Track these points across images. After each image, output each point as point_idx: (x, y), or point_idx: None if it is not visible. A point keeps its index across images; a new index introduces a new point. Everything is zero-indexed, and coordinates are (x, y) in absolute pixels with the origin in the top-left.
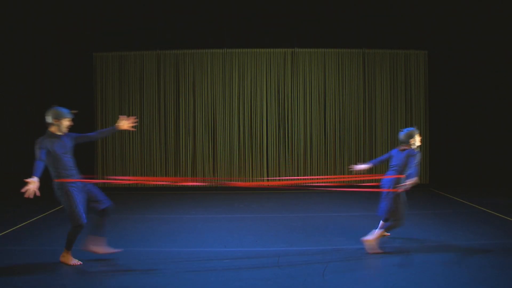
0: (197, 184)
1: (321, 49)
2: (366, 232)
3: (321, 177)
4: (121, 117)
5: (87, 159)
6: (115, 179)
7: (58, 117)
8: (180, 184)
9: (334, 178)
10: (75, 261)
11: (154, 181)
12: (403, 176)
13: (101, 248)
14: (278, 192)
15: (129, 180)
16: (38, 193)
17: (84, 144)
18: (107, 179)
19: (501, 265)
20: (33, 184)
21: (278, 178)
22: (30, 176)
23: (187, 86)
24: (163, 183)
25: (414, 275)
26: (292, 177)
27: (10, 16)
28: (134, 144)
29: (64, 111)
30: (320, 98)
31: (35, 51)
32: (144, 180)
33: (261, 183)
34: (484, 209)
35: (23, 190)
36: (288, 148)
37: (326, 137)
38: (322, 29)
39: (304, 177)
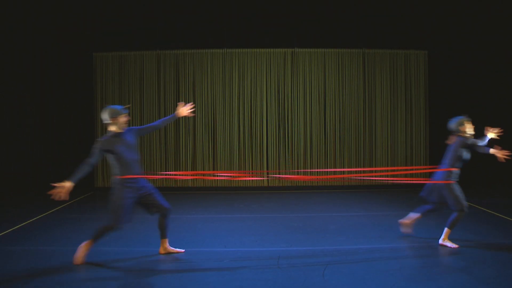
0: (253, 178)
1: (321, 49)
2: (367, 232)
3: (374, 169)
4: (179, 103)
5: (87, 158)
6: (170, 175)
7: (114, 115)
8: (238, 179)
9: (387, 171)
10: (81, 257)
11: (208, 176)
12: (455, 169)
13: (172, 249)
14: (278, 192)
15: (184, 175)
16: (67, 198)
17: (85, 144)
18: (161, 175)
19: (501, 265)
20: (63, 189)
21: (333, 170)
22: (30, 175)
23: (187, 86)
24: (217, 178)
25: (414, 275)
26: (349, 170)
27: (10, 16)
28: None
29: (118, 107)
30: (320, 98)
31: (35, 51)
32: (198, 175)
33: (322, 177)
34: (484, 209)
35: (51, 192)
36: (288, 148)
37: (326, 137)
38: (322, 29)
39: (357, 169)
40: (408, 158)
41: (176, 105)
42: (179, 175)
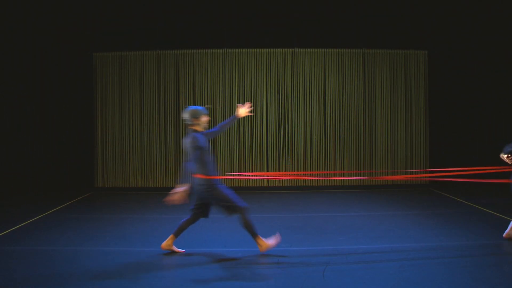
0: (322, 178)
1: (321, 49)
2: (367, 232)
3: (450, 169)
4: (238, 105)
5: (87, 158)
6: (240, 175)
7: (196, 116)
8: (305, 178)
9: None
10: (271, 241)
11: (278, 176)
12: None
13: (167, 245)
14: (278, 192)
15: (253, 176)
16: (187, 201)
17: (85, 144)
18: (230, 175)
19: (501, 265)
20: (179, 194)
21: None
22: (30, 175)
23: (187, 86)
24: (286, 177)
25: (414, 275)
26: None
27: (10, 16)
28: (134, 144)
29: (199, 108)
30: (320, 98)
31: (35, 51)
32: (269, 176)
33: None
34: (484, 209)
35: (169, 198)
36: (288, 148)
37: (326, 137)
38: (322, 29)
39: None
40: (408, 158)
41: (176, 105)
42: (244, 175)
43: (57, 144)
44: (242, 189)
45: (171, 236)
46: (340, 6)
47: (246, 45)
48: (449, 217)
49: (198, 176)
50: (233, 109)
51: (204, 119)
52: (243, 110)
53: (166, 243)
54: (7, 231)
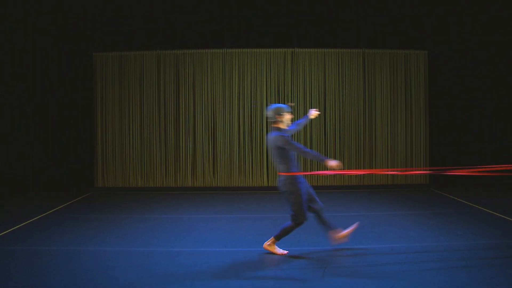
0: (396, 173)
1: (321, 49)
2: (367, 232)
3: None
4: (312, 109)
5: (87, 158)
6: (321, 172)
7: (280, 113)
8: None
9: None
10: (282, 251)
11: (357, 172)
12: None
13: (343, 233)
14: (278, 192)
15: (333, 172)
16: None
17: (85, 144)
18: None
19: (501, 265)
20: (337, 164)
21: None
22: (30, 175)
23: (187, 86)
24: (363, 172)
25: (414, 275)
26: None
27: (10, 16)
28: (134, 144)
29: (283, 106)
30: (320, 98)
31: (35, 51)
32: (349, 172)
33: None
34: (484, 209)
35: (334, 165)
36: None
37: (326, 137)
38: (322, 29)
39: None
40: (408, 158)
41: (176, 105)
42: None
43: (57, 144)
44: (243, 189)
45: (331, 232)
46: (340, 6)
47: (246, 45)
48: (449, 217)
49: (284, 172)
50: (233, 109)
51: (288, 116)
52: (314, 112)
53: (336, 237)
54: (7, 231)
